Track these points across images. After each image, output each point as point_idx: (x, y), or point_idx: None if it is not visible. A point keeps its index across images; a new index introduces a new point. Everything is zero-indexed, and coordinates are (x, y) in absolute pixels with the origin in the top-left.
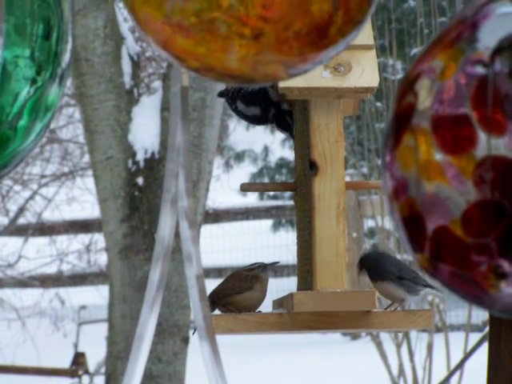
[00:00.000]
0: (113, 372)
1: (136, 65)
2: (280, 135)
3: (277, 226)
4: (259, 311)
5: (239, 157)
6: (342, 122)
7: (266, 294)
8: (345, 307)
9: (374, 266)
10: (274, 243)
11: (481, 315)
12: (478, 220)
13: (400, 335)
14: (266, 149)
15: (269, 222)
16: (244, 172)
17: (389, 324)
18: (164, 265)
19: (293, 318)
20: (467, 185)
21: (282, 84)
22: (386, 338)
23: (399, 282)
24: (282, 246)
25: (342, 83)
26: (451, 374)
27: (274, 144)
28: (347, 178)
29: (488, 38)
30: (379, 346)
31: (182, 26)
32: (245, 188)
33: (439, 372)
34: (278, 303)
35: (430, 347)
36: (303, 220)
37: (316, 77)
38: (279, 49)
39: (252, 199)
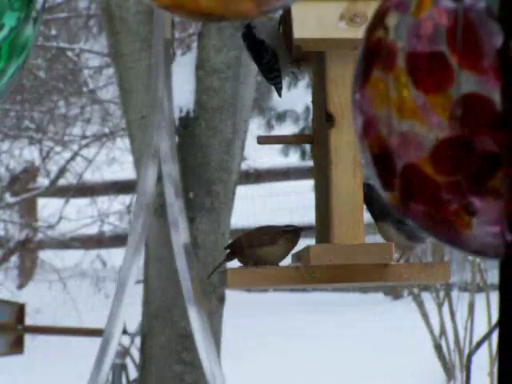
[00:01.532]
0: (149, 330)
1: (171, 24)
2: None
3: None
4: (276, 265)
5: (281, 117)
6: None
7: (289, 251)
8: (361, 260)
9: (375, 201)
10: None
11: None
12: (447, 157)
13: (441, 295)
14: (307, 109)
15: (310, 182)
16: (286, 132)
17: (406, 277)
18: (146, 218)
19: (309, 272)
20: (438, 122)
21: (296, 35)
22: (427, 297)
23: (399, 225)
24: None
25: (358, 34)
26: (491, 331)
27: None
28: None
29: None
30: (421, 305)
31: None
32: (261, 141)
33: (481, 332)
34: (297, 257)
35: (471, 306)
36: (320, 172)
37: (332, 28)
38: None
39: (294, 159)
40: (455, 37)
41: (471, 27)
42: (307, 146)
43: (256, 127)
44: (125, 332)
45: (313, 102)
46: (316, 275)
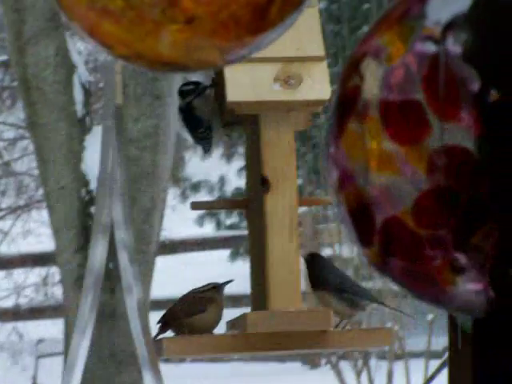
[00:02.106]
0: None
1: (87, 93)
2: (236, 165)
3: (234, 256)
4: (211, 333)
5: (195, 187)
6: (293, 137)
7: (221, 315)
8: (299, 327)
9: (314, 270)
10: (231, 273)
11: (441, 342)
12: (430, 210)
13: (359, 363)
14: (221, 179)
15: (226, 253)
16: None
17: (346, 343)
18: (95, 294)
19: (247, 339)
20: (419, 173)
21: (230, 98)
22: (345, 366)
23: (339, 294)
24: (239, 276)
25: (292, 96)
26: None
27: (230, 174)
28: (304, 207)
29: (438, 12)
30: (339, 374)
31: (108, 10)
32: (194, 206)
33: None
34: (232, 324)
35: (389, 375)
36: (255, 238)
37: (266, 90)
38: (214, 33)
39: (209, 230)
40: (433, 84)
41: (448, 74)
42: (222, 216)
43: (171, 198)
44: None
45: (247, 165)
46: (253, 343)
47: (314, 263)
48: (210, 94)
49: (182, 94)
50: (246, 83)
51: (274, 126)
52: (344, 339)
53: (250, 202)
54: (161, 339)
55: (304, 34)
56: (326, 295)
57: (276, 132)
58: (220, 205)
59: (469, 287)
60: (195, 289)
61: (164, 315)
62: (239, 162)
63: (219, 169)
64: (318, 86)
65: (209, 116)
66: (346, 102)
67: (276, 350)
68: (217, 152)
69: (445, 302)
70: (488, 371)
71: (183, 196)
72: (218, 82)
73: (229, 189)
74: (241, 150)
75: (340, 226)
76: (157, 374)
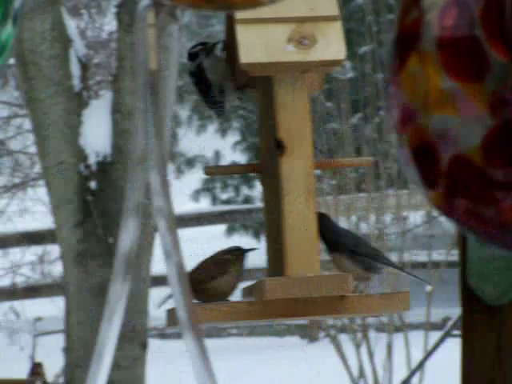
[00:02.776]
0: (71, 380)
1: (84, 67)
2: (231, 139)
3: (231, 231)
4: (227, 300)
5: (190, 162)
6: (308, 98)
7: (238, 281)
8: (317, 292)
9: (329, 232)
10: None
11: (440, 313)
12: (500, 146)
13: (359, 336)
14: (217, 154)
15: (222, 227)
16: (195, 177)
17: (365, 309)
18: (126, 277)
19: (263, 306)
20: (483, 111)
21: (243, 60)
22: (344, 339)
23: (354, 257)
24: None
25: (306, 57)
26: (412, 373)
27: (225, 149)
28: None
29: None
30: (338, 347)
31: None
32: (208, 171)
33: (400, 372)
34: (248, 291)
35: (389, 347)
36: (271, 203)
37: (279, 51)
38: None
39: (205, 204)
40: (491, 19)
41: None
42: (217, 191)
43: None
44: (45, 382)
45: (260, 129)
46: (270, 310)
47: (326, 225)
48: (221, 57)
49: (191, 56)
50: (258, 44)
51: (288, 88)
52: (363, 304)
53: (265, 166)
54: (173, 307)
55: None
56: (342, 258)
57: (290, 94)
58: (234, 169)
59: None
60: (216, 252)
61: None
62: (234, 137)
63: (214, 144)
64: (333, 46)
65: (220, 79)
66: (405, 38)
67: (293, 317)
68: (211, 127)
69: None
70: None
71: (178, 171)
72: (230, 44)
73: (224, 163)
74: (235, 124)
75: (337, 199)
76: (198, 338)
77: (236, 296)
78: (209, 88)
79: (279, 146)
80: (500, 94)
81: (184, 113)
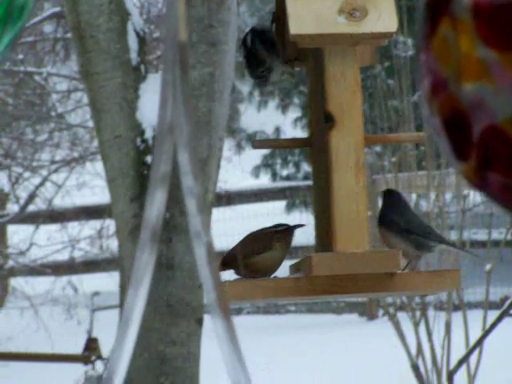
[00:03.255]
0: None
1: (142, 41)
2: (292, 115)
3: (290, 208)
4: (275, 276)
5: (251, 138)
6: (358, 71)
7: (284, 257)
8: (365, 269)
9: (384, 206)
10: None
11: (498, 292)
12: None
13: (417, 314)
14: (277, 130)
15: (282, 204)
16: (256, 153)
17: (414, 286)
18: (152, 247)
19: (310, 283)
20: None
21: (292, 31)
22: (403, 317)
23: (405, 235)
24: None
25: (357, 29)
26: (470, 351)
27: (286, 125)
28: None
29: None
30: (397, 325)
31: None
32: (256, 145)
33: (458, 351)
34: (296, 268)
35: (448, 326)
36: (320, 177)
37: (330, 23)
38: None
39: (265, 181)
40: None
41: None
42: (278, 167)
43: (226, 149)
44: (100, 357)
45: (309, 102)
46: (317, 287)
47: (388, 199)
48: (272, 34)
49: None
50: (309, 16)
51: (338, 61)
52: (412, 282)
53: (314, 141)
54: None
55: None
56: (388, 233)
57: (341, 66)
58: (283, 143)
59: None
60: (262, 228)
61: (228, 255)
62: (295, 113)
63: (275, 120)
64: (385, 18)
65: (271, 56)
66: (437, 2)
67: (341, 294)
68: (272, 103)
69: None
70: None
71: (239, 147)
72: (280, 16)
73: None
74: (296, 100)
75: (397, 176)
76: (228, 320)
77: (284, 273)
78: (258, 64)
79: (328, 120)
80: None
81: (245, 89)
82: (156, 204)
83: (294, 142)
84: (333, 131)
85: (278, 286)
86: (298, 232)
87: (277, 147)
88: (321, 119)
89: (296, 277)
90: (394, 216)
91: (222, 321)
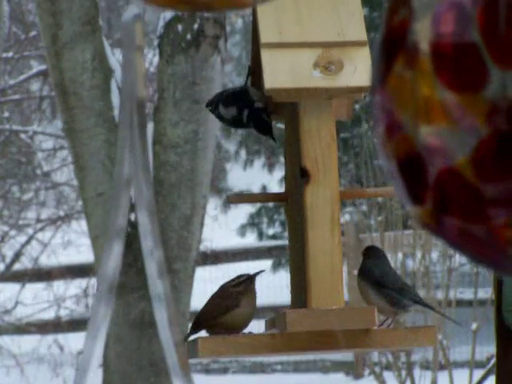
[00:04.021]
0: None
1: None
2: (278, 174)
3: (276, 267)
4: (250, 332)
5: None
6: (334, 126)
7: (255, 308)
8: (341, 325)
9: (364, 260)
10: (274, 283)
11: (485, 351)
12: (492, 159)
13: (403, 373)
14: (263, 188)
15: (268, 263)
16: (242, 212)
17: (390, 343)
18: (110, 302)
19: (286, 339)
20: (476, 122)
21: (268, 85)
22: (389, 376)
23: (379, 289)
24: (282, 286)
25: (333, 83)
26: None
27: (272, 183)
28: (346, 216)
29: None
30: None
31: None
32: (232, 200)
33: None
34: (270, 323)
35: None
36: (295, 232)
37: (305, 77)
38: None
39: (251, 240)
40: (491, 24)
41: (509, 11)
42: (264, 226)
43: (212, 208)
44: None
45: (285, 156)
46: (293, 343)
47: (368, 253)
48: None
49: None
50: (284, 69)
51: (314, 115)
52: (388, 338)
53: (290, 195)
54: (196, 339)
55: (345, 18)
56: (365, 284)
57: (316, 120)
58: (258, 198)
59: None
60: (225, 283)
61: (197, 316)
62: (281, 172)
63: (261, 179)
64: (360, 72)
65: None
66: (392, 40)
67: (317, 350)
68: (258, 161)
69: (505, 265)
70: None
71: (225, 206)
72: (255, 70)
73: None
74: (282, 159)
75: (383, 235)
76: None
77: (259, 329)
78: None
79: (304, 175)
80: (498, 104)
81: (232, 147)
82: (112, 257)
83: (270, 197)
84: (308, 186)
85: (253, 343)
86: (284, 291)
87: (252, 201)
88: (296, 174)
89: (272, 333)
90: (372, 267)
91: (182, 381)
